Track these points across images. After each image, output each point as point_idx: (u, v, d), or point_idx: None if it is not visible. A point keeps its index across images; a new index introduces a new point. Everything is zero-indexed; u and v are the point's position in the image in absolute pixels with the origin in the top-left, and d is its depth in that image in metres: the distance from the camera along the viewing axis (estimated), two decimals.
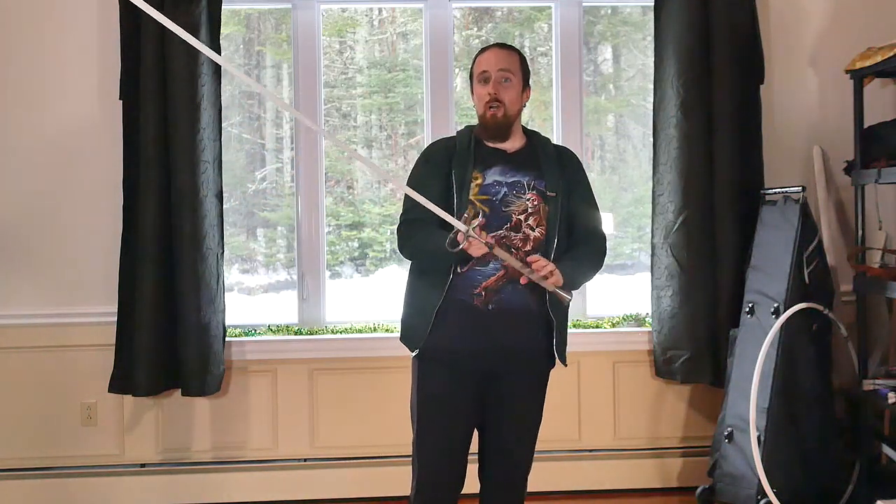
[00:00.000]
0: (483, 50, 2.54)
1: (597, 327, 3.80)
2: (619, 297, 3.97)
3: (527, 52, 3.88)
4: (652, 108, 3.71)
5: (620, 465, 3.76)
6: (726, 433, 3.35)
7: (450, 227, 2.31)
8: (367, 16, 4.18)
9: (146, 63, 3.44)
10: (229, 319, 3.63)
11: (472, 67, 2.54)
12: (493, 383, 2.45)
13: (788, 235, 3.30)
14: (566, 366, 2.52)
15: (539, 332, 2.44)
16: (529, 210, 2.42)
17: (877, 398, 3.25)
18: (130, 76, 3.48)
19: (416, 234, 2.45)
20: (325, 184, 3.88)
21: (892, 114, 3.61)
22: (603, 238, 2.56)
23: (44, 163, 3.63)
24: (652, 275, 3.71)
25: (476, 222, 2.28)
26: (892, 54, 3.19)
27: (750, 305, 3.40)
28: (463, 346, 2.39)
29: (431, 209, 2.33)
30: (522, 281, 2.34)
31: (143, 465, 3.69)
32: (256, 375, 3.69)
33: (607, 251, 2.56)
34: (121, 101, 3.49)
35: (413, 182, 2.50)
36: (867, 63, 3.31)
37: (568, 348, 2.51)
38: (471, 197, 2.40)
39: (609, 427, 3.77)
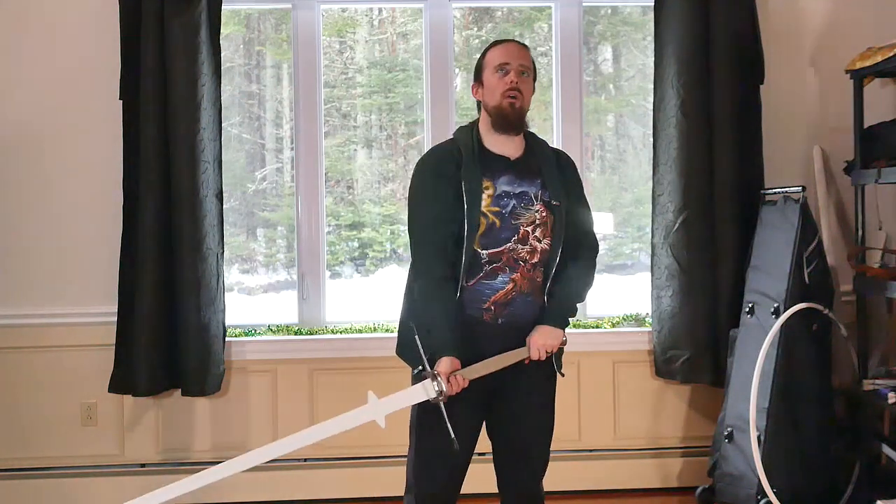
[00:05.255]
0: (497, 43, 2.43)
1: (597, 327, 3.80)
2: (619, 297, 3.97)
3: None
4: (652, 108, 3.71)
5: (620, 465, 3.76)
6: (726, 433, 3.35)
7: (462, 243, 2.28)
8: (367, 16, 4.18)
9: (146, 63, 3.44)
10: (229, 319, 3.63)
11: (480, 61, 2.43)
12: (504, 396, 2.38)
13: (788, 235, 3.30)
14: (563, 375, 2.48)
15: None
16: (537, 222, 2.35)
17: (877, 398, 3.25)
18: (130, 76, 3.48)
19: (435, 299, 2.30)
20: (325, 184, 3.88)
21: (892, 114, 3.60)
22: (594, 249, 2.50)
23: (43, 163, 3.63)
24: (652, 275, 3.71)
25: (437, 381, 2.25)
26: (892, 54, 3.19)
27: (750, 305, 3.40)
28: (473, 362, 2.29)
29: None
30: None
31: (143, 465, 3.69)
32: (256, 375, 3.69)
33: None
34: (121, 101, 3.49)
35: (423, 196, 2.37)
36: (867, 63, 3.31)
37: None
38: (483, 209, 2.30)
39: (609, 427, 3.77)
